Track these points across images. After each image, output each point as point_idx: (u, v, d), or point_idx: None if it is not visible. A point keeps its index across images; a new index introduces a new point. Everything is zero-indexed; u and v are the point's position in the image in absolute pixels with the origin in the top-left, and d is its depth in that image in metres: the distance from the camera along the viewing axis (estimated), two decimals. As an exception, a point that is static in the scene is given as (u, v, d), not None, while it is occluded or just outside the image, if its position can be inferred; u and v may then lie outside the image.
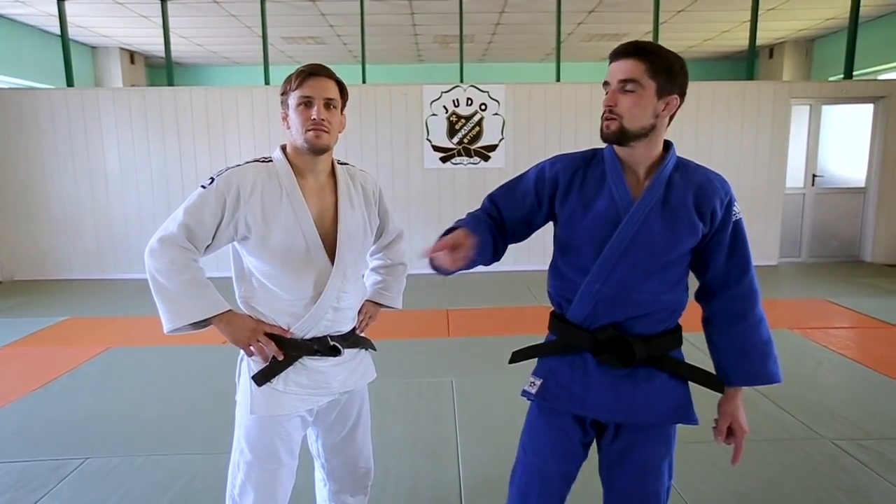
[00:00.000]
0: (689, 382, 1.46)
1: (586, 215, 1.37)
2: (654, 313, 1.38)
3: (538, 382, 1.43)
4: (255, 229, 1.46)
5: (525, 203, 1.45)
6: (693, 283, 1.46)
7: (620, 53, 1.30)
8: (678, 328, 1.44)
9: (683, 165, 1.40)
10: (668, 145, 1.40)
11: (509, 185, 1.50)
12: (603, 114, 1.32)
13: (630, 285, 1.35)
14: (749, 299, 1.39)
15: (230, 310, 1.48)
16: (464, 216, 1.50)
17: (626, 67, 1.28)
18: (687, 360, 1.48)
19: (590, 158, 1.43)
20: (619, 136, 1.31)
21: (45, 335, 4.66)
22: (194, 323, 1.45)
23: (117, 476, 2.54)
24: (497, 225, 1.47)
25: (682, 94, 1.32)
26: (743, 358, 1.40)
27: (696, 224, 1.34)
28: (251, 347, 1.49)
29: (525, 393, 1.45)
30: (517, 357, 1.50)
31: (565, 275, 1.42)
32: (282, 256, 1.48)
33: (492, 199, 1.50)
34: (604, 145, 1.41)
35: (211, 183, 1.45)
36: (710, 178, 1.39)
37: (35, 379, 3.65)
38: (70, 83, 6.87)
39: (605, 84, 1.33)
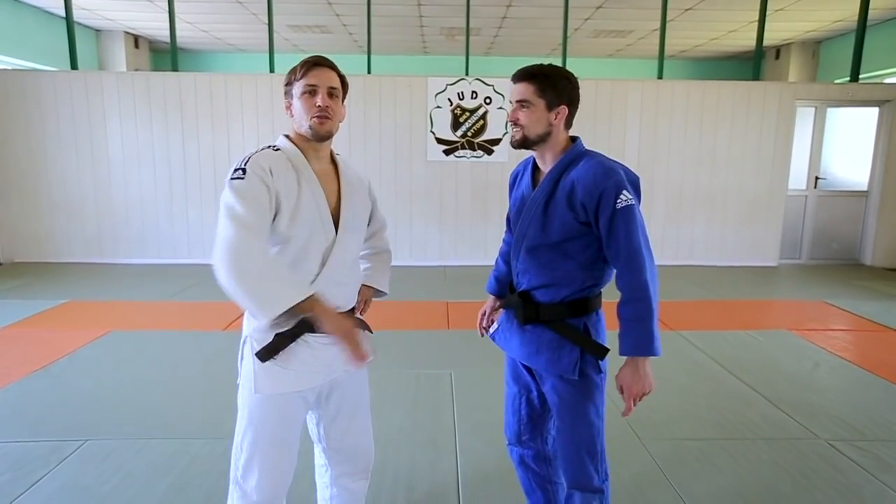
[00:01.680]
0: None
1: (513, 210, 1.77)
2: (552, 285, 1.67)
3: (496, 327, 1.90)
4: (283, 206, 1.49)
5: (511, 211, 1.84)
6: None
7: (516, 77, 1.63)
8: (581, 301, 1.66)
9: (578, 159, 1.63)
10: (573, 141, 1.67)
11: (510, 201, 1.86)
12: (512, 124, 1.64)
13: (528, 262, 1.70)
14: (627, 279, 1.56)
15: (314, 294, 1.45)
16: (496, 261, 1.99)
17: (520, 89, 1.61)
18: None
19: (526, 162, 1.79)
20: (522, 142, 1.63)
21: (46, 317, 4.67)
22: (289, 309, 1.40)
23: (116, 458, 2.55)
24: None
25: (571, 103, 1.63)
26: (623, 331, 1.58)
27: (567, 216, 1.59)
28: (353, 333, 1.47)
29: (490, 334, 1.93)
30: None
31: None
32: (299, 233, 1.53)
33: (507, 220, 1.90)
34: (507, 151, 1.75)
35: (244, 172, 1.44)
36: (586, 173, 1.57)
37: (35, 360, 3.66)
38: (74, 66, 6.84)
39: (511, 102, 1.64)
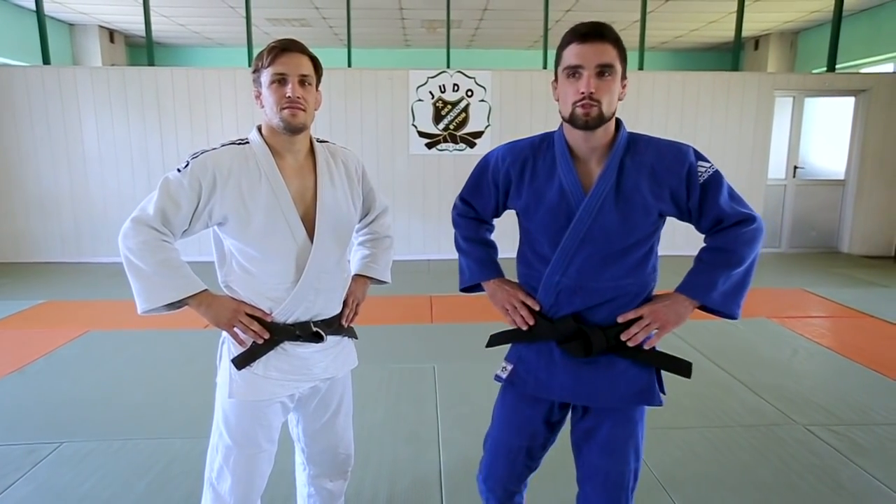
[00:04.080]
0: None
1: (540, 207, 1.40)
2: (615, 299, 1.39)
3: (509, 367, 1.50)
4: (233, 215, 1.43)
5: (490, 197, 1.53)
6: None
7: (594, 36, 1.27)
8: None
9: (634, 143, 1.38)
10: (618, 125, 1.40)
11: (474, 183, 1.56)
12: (578, 101, 1.28)
13: (589, 275, 1.37)
14: (739, 238, 1.38)
15: (206, 290, 1.45)
16: (465, 251, 1.62)
17: (601, 51, 1.27)
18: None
19: (538, 145, 1.44)
20: (597, 122, 1.30)
21: (21, 318, 4.57)
22: (169, 304, 1.42)
23: (93, 460, 2.51)
24: (481, 220, 1.61)
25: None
26: (709, 274, 1.39)
27: (652, 208, 1.35)
28: (235, 329, 1.47)
29: (497, 378, 1.53)
30: (494, 341, 1.56)
31: (531, 262, 1.48)
32: (263, 239, 1.45)
33: (462, 199, 1.60)
34: (552, 129, 1.44)
35: (186, 166, 1.42)
36: (663, 155, 1.36)
37: (10, 362, 3.59)
38: (46, 61, 6.69)
39: (573, 69, 1.28)
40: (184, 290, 1.42)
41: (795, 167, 7.27)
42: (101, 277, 5.94)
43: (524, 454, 1.53)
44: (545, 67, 7.39)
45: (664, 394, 1.47)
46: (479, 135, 6.79)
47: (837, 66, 7.26)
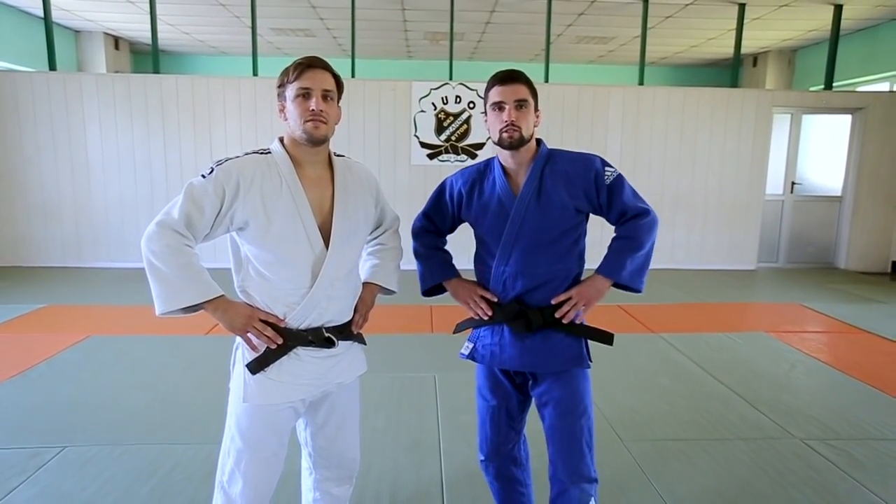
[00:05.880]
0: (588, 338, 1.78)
1: (487, 216, 1.75)
2: (548, 283, 1.71)
3: (470, 346, 1.84)
4: (254, 220, 1.48)
5: (447, 214, 1.87)
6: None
7: (510, 79, 1.66)
8: None
9: (552, 157, 1.74)
10: (539, 144, 1.75)
11: (434, 201, 1.89)
12: (503, 128, 1.64)
13: (525, 263, 1.70)
14: (639, 228, 1.71)
15: (223, 296, 1.49)
16: (425, 258, 1.91)
17: (516, 90, 1.65)
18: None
19: (482, 170, 1.81)
20: (519, 142, 1.66)
21: (23, 322, 4.58)
22: (186, 308, 1.45)
23: (96, 465, 2.52)
24: (439, 233, 1.94)
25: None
26: (618, 257, 1.72)
27: (569, 206, 1.69)
28: (248, 334, 1.50)
29: (461, 355, 1.85)
30: (459, 328, 1.90)
31: (484, 261, 1.80)
32: (281, 244, 1.50)
33: (426, 215, 1.92)
34: (492, 156, 1.81)
35: (211, 173, 1.46)
36: (574, 163, 1.71)
37: (12, 366, 3.60)
38: (52, 67, 6.74)
39: (498, 104, 1.66)
40: (202, 295, 1.45)
41: (793, 183, 7.35)
42: (103, 282, 5.95)
43: (504, 414, 1.83)
44: (546, 81, 7.47)
45: (591, 361, 1.77)
46: (480, 146, 6.85)
47: (835, 84, 7.36)
